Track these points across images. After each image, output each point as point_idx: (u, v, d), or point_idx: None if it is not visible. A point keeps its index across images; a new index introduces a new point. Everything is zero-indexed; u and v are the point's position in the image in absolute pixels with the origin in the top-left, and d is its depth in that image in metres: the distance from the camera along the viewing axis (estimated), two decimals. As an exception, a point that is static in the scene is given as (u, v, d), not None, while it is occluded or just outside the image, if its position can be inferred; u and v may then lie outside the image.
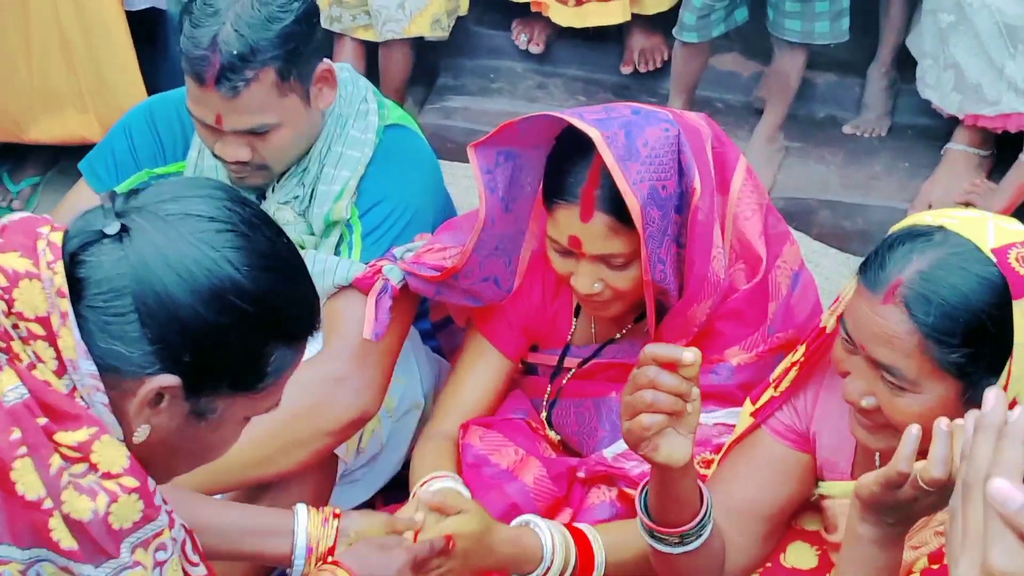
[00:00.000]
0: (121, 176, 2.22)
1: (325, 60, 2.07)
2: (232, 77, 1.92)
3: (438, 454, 1.94)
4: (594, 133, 1.67)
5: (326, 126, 2.11)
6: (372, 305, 1.98)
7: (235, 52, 1.91)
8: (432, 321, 2.41)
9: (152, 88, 3.46)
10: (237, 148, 2.02)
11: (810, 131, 3.57)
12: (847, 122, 3.58)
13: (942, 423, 1.25)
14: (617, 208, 1.71)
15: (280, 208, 2.13)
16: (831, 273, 3.22)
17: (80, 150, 3.32)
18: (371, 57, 3.64)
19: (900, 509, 1.34)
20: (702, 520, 1.56)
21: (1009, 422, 0.86)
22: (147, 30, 3.55)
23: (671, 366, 1.44)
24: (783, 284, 1.87)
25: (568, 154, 1.76)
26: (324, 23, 3.57)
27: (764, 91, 3.56)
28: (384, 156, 2.15)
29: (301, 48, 1.97)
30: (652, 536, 1.59)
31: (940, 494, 1.28)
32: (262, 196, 2.17)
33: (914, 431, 1.31)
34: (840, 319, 1.56)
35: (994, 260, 1.44)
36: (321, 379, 2.00)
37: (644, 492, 1.58)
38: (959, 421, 1.23)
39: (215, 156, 2.08)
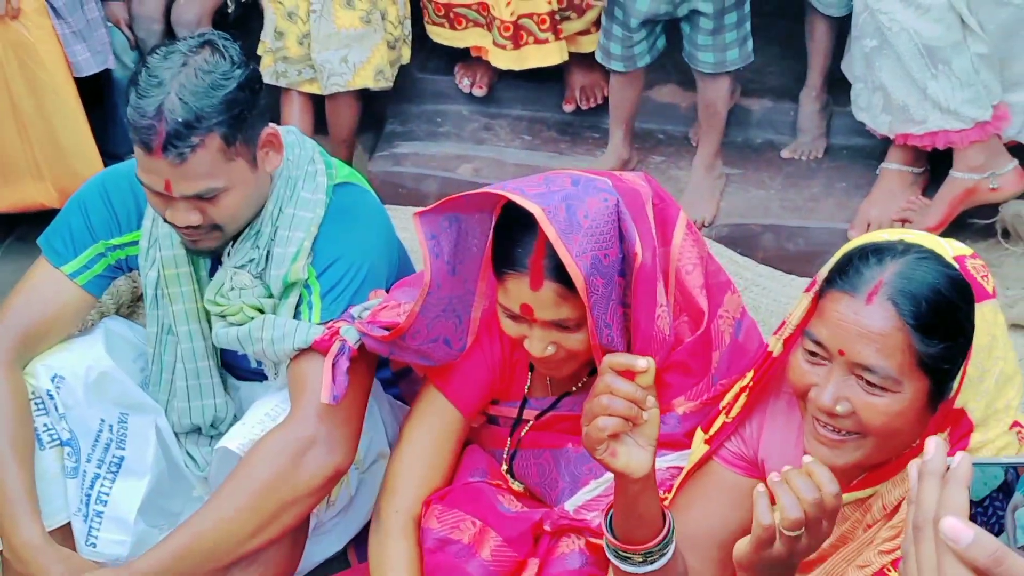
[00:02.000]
0: (78, 249, 2.24)
1: (270, 124, 2.11)
2: (178, 144, 1.95)
3: (398, 562, 1.95)
4: (535, 209, 1.70)
5: (276, 189, 2.14)
6: (328, 369, 2.01)
7: (180, 120, 1.94)
8: (393, 370, 2.44)
9: (104, 151, 3.48)
10: (187, 213, 2.05)
11: (749, 157, 3.62)
12: (784, 146, 3.63)
13: (773, 477, 1.40)
14: (565, 276, 1.74)
15: (237, 272, 2.15)
16: (778, 295, 3.27)
17: (38, 216, 3.35)
18: (319, 109, 3.66)
19: (780, 564, 1.41)
20: (666, 537, 1.59)
21: (951, 467, 0.92)
22: (95, 93, 3.56)
23: (628, 375, 1.48)
24: (726, 333, 1.91)
25: (515, 225, 1.80)
26: (270, 78, 3.59)
27: (696, 130, 3.62)
28: (336, 215, 2.18)
29: (245, 113, 2.01)
30: (617, 555, 1.62)
31: (810, 534, 1.39)
32: (218, 261, 2.19)
33: (760, 488, 1.41)
34: (802, 332, 1.59)
35: (956, 266, 1.53)
36: (292, 443, 2.03)
37: (610, 512, 1.62)
38: (785, 471, 1.39)
39: (167, 222, 2.10)
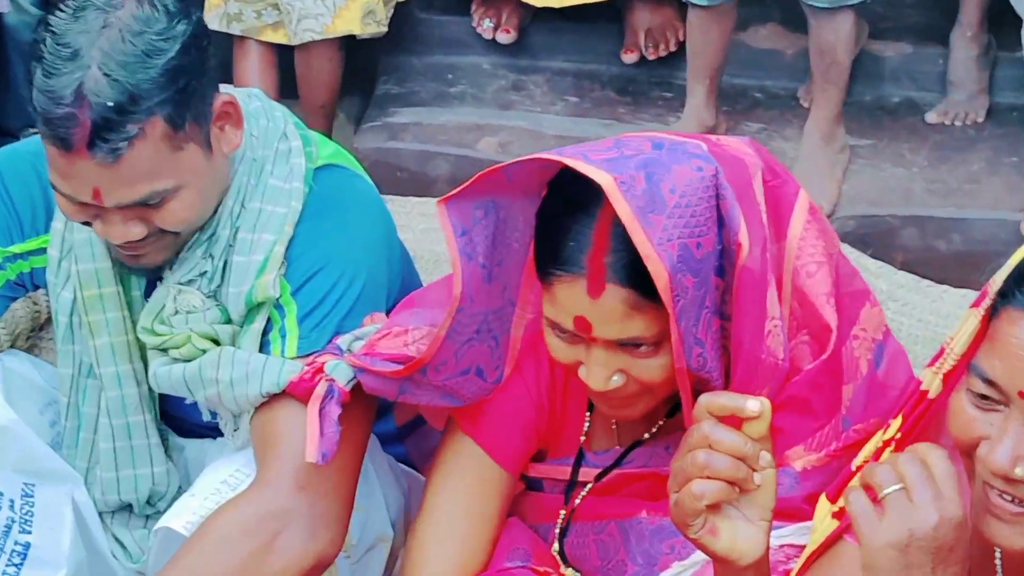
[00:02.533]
0: None
1: (223, 90, 2.12)
2: (109, 137, 1.95)
3: None
4: (604, 178, 1.70)
5: (236, 176, 2.15)
6: (315, 417, 2.02)
7: (109, 103, 1.94)
8: (398, 424, 2.45)
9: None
10: (126, 226, 2.06)
11: (882, 122, 3.65)
12: (931, 107, 3.65)
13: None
14: (637, 277, 1.74)
15: (183, 290, 2.17)
16: (925, 313, 3.27)
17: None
18: (285, 64, 3.69)
19: None
20: None
21: None
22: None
23: (732, 420, 1.49)
24: (862, 360, 1.90)
25: (566, 209, 1.80)
26: (219, 24, 3.62)
27: (809, 87, 3.63)
28: (318, 209, 2.19)
29: (193, 83, 2.01)
30: None
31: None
32: (157, 277, 2.21)
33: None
34: (967, 366, 1.60)
35: None
36: (262, 518, 2.03)
37: None
38: None
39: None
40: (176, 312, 2.17)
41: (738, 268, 1.75)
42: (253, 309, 2.16)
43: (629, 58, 3.82)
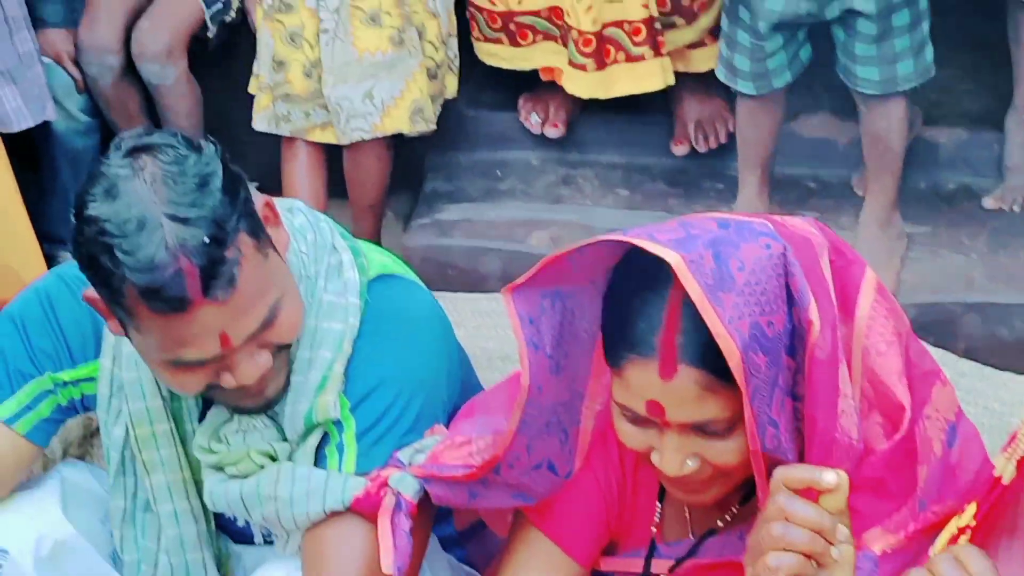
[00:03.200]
0: (15, 385, 2.24)
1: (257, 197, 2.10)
2: (220, 271, 1.93)
3: None
4: (673, 257, 1.71)
5: None
6: (387, 529, 2.02)
7: (205, 241, 1.92)
8: (458, 529, 2.45)
9: (39, 232, 3.56)
10: (255, 360, 2.04)
11: (939, 209, 3.66)
12: (988, 192, 3.66)
13: None
14: (710, 358, 1.75)
15: (240, 415, 2.17)
16: (990, 401, 3.26)
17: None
18: (334, 164, 3.74)
19: None
20: None
21: None
22: (24, 154, 3.66)
23: (809, 494, 1.48)
24: (935, 441, 1.88)
25: (635, 291, 1.81)
26: (268, 125, 3.68)
27: (863, 175, 3.65)
28: (375, 324, 2.18)
29: (245, 192, 2.02)
30: None
31: None
32: (207, 402, 2.21)
33: None
34: None
35: None
36: None
37: None
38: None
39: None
40: (237, 430, 2.17)
41: (809, 346, 1.75)
42: (312, 428, 2.16)
43: (680, 150, 3.85)
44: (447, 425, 2.18)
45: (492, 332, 3.54)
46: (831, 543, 1.52)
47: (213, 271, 1.93)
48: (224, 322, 1.97)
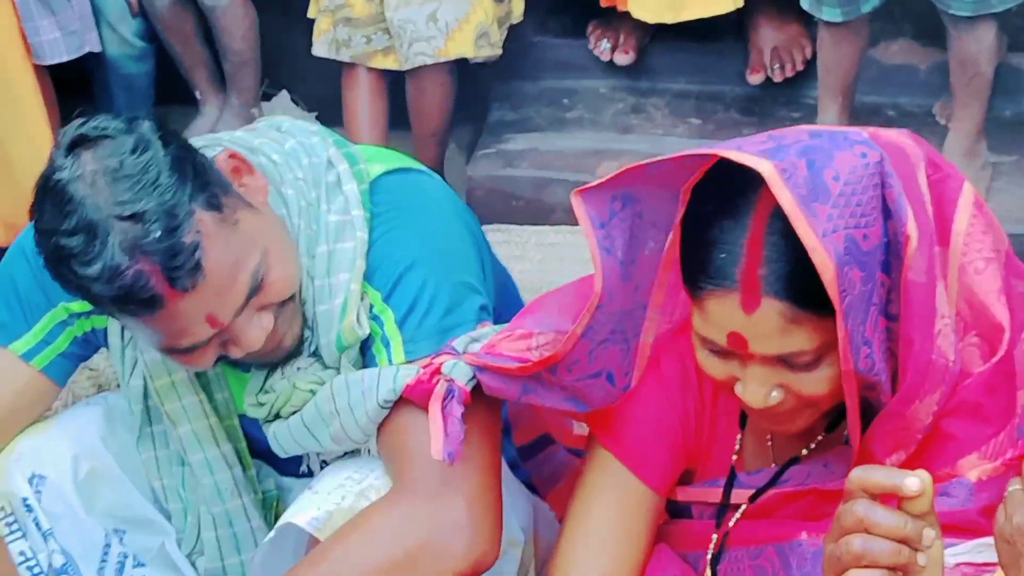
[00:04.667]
0: (31, 318, 2.24)
1: (219, 151, 2.08)
2: (182, 261, 1.93)
3: None
4: (764, 166, 1.67)
5: (299, 231, 2.13)
6: (437, 415, 2.00)
7: (157, 235, 1.91)
8: (517, 444, 2.43)
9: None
10: (254, 325, 2.04)
11: (1024, 137, 3.62)
12: (1079, 120, 3.63)
13: None
14: (794, 289, 1.71)
15: (287, 360, 2.16)
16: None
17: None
18: (396, 90, 3.72)
19: None
20: None
21: None
22: (73, 83, 3.64)
23: (889, 498, 1.44)
24: (1036, 365, 1.86)
25: (715, 218, 1.77)
26: (327, 49, 3.66)
27: (946, 103, 3.60)
28: (389, 213, 2.17)
29: (196, 161, 1.99)
30: None
31: None
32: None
33: None
34: None
35: None
36: (412, 519, 2.02)
37: None
38: None
39: (229, 361, 2.11)
40: (281, 377, 2.16)
41: (906, 262, 1.71)
42: (344, 350, 2.14)
43: (755, 78, 3.83)
44: (492, 316, 2.18)
45: (558, 265, 3.53)
46: (918, 550, 1.46)
47: (175, 263, 1.92)
48: (206, 306, 1.97)
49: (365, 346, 2.15)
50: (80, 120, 1.99)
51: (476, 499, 2.04)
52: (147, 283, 1.91)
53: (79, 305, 2.22)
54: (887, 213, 1.72)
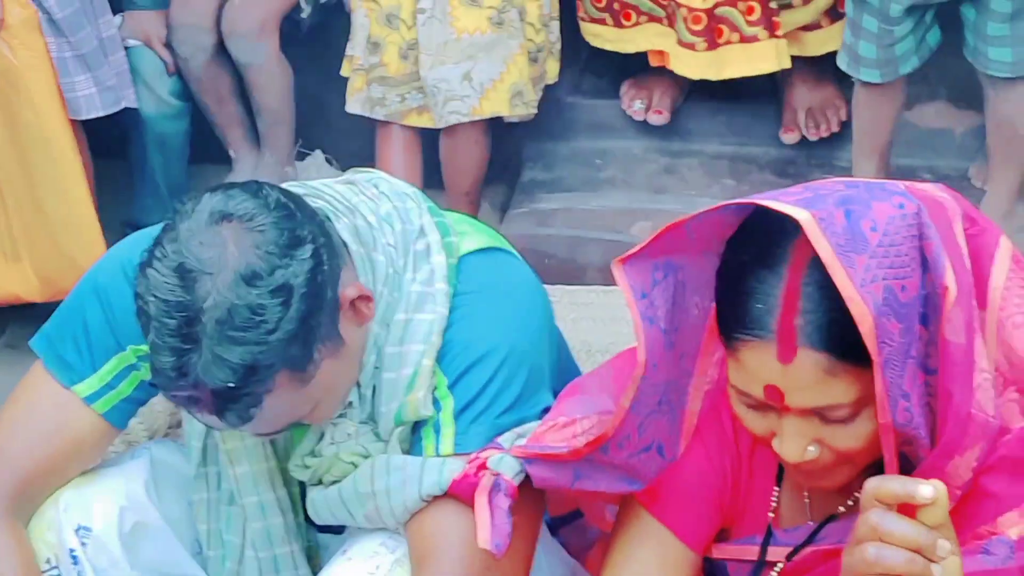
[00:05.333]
0: (97, 361, 2.23)
1: (351, 284, 2.05)
2: (236, 408, 1.95)
3: None
4: (802, 215, 1.67)
5: (376, 294, 2.11)
6: (484, 505, 1.99)
7: (230, 385, 1.92)
8: (552, 515, 2.42)
9: (126, 223, 3.57)
10: (273, 434, 2.11)
11: (1062, 200, 3.60)
12: (1113, 184, 3.60)
13: None
14: (832, 340, 1.71)
15: (337, 423, 2.16)
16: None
17: (27, 311, 3.40)
18: (429, 150, 3.74)
19: None
20: None
21: None
22: (109, 142, 3.67)
23: (906, 509, 1.43)
24: (1077, 421, 1.85)
25: (751, 267, 1.76)
26: (361, 107, 3.68)
27: (981, 166, 3.60)
28: (470, 296, 2.16)
29: (319, 317, 1.98)
30: None
31: None
32: None
33: None
34: None
35: None
36: None
37: None
38: None
39: None
40: (331, 443, 2.16)
41: (945, 314, 1.71)
42: (402, 425, 2.14)
43: (789, 138, 3.83)
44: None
45: (591, 324, 3.52)
46: (932, 560, 1.45)
47: (230, 406, 1.94)
48: (244, 428, 2.02)
49: (415, 427, 2.14)
50: (246, 191, 1.98)
51: None
52: (193, 404, 1.95)
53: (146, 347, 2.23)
54: (925, 265, 1.71)
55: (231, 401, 1.93)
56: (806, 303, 1.72)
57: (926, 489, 1.44)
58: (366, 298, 2.06)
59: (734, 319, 1.78)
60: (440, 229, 2.19)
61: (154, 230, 2.19)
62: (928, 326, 1.74)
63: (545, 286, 3.50)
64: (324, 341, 1.99)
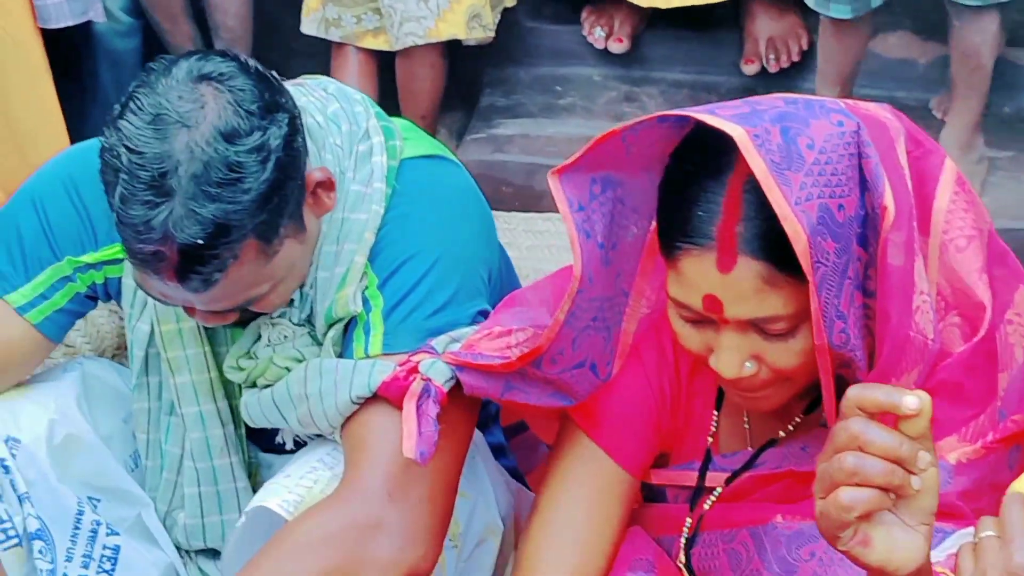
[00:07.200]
0: (31, 270, 2.22)
1: (317, 168, 2.06)
2: (200, 270, 1.93)
3: None
4: (736, 131, 1.65)
5: None
6: (411, 414, 1.98)
7: (200, 241, 1.90)
8: (504, 424, 2.42)
9: (77, 136, 3.54)
10: (220, 318, 2.07)
11: (1021, 133, 3.63)
12: (1075, 116, 3.62)
13: None
14: (772, 249, 1.70)
15: (275, 323, 2.16)
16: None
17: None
18: (385, 72, 3.71)
19: None
20: None
21: None
22: (65, 55, 3.62)
23: (887, 418, 1.43)
24: (1018, 347, 1.84)
25: (692, 176, 1.75)
26: (317, 29, 3.65)
27: (943, 97, 3.58)
28: (407, 197, 2.16)
29: (288, 188, 1.98)
30: None
31: None
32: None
33: None
34: None
35: None
36: (349, 526, 1.99)
37: None
38: None
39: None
40: (267, 344, 2.16)
41: (883, 235, 1.69)
42: (333, 324, 2.13)
43: (750, 68, 3.82)
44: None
45: (547, 252, 3.52)
46: (913, 473, 1.44)
47: (193, 268, 1.92)
48: (193, 299, 1.99)
49: (347, 330, 2.13)
50: (223, 55, 1.97)
51: (418, 506, 2.02)
52: (159, 262, 1.91)
53: (89, 256, 2.22)
54: (864, 185, 1.70)
55: (197, 262, 1.91)
56: (747, 211, 1.71)
57: (911, 400, 1.41)
58: (329, 185, 2.06)
59: (676, 227, 1.77)
60: (385, 132, 2.19)
61: (92, 143, 2.19)
62: (867, 247, 1.73)
63: (501, 212, 3.53)
64: (291, 218, 1.99)
